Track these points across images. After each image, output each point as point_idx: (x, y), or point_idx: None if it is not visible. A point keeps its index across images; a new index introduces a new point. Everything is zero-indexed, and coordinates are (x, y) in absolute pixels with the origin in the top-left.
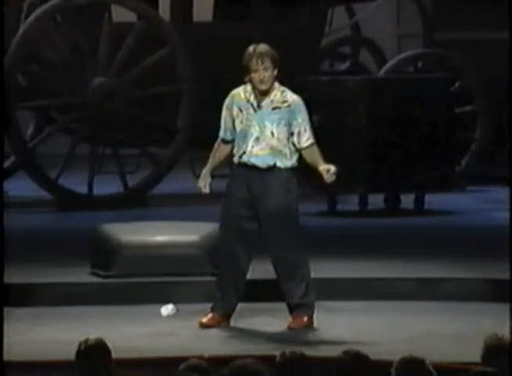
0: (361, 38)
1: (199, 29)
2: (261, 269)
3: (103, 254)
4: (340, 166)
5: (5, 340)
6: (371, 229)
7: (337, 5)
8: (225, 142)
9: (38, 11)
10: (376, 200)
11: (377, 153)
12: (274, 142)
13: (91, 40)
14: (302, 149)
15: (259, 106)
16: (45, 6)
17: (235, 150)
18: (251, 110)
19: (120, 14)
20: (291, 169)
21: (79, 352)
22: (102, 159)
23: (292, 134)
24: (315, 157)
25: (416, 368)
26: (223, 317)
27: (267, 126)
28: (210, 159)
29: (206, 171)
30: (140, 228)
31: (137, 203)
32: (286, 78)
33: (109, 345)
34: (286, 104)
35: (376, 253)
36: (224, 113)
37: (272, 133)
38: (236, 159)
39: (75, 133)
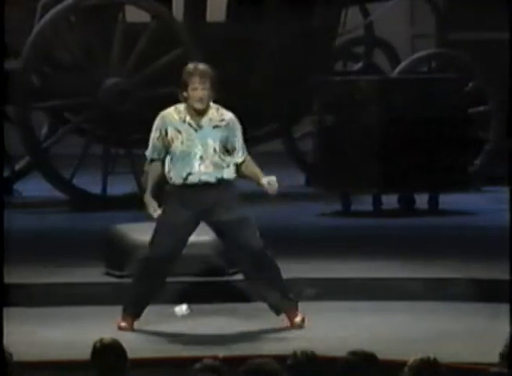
0: (374, 38)
1: (212, 29)
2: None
3: (118, 254)
4: (354, 166)
5: (17, 340)
6: (385, 229)
7: (351, 5)
8: (153, 161)
9: (52, 12)
10: (390, 201)
11: (391, 154)
12: (216, 158)
13: (104, 40)
14: (238, 163)
15: (199, 125)
16: (58, 7)
17: (173, 173)
18: (192, 130)
19: (134, 14)
20: (234, 181)
21: (94, 352)
22: (116, 159)
23: (227, 150)
24: (252, 168)
25: (430, 369)
26: (133, 318)
27: (209, 144)
28: (148, 183)
29: (148, 197)
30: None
31: None
32: (299, 78)
33: (123, 344)
34: (224, 123)
35: (389, 253)
36: (153, 134)
37: (215, 150)
38: (177, 181)
39: (88, 134)
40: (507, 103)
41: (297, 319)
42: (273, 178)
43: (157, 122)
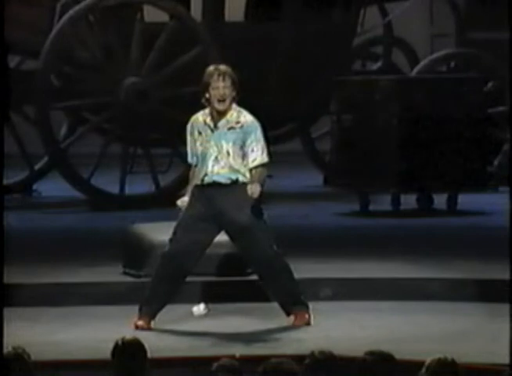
0: (393, 38)
1: (231, 28)
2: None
3: (135, 253)
4: (373, 166)
5: (34, 339)
6: (403, 229)
7: (370, 5)
8: (194, 165)
9: (71, 11)
10: (409, 200)
11: (410, 153)
12: (231, 160)
13: (123, 40)
14: (250, 168)
15: (216, 126)
16: (77, 7)
17: (197, 174)
18: (209, 131)
19: (152, 14)
20: None
21: (115, 351)
22: (134, 159)
23: (244, 154)
24: (254, 177)
25: (447, 369)
26: (150, 317)
27: (223, 145)
28: (189, 186)
29: (187, 194)
30: (172, 228)
31: (169, 202)
32: (318, 78)
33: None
34: (239, 125)
35: (407, 253)
36: (188, 139)
37: (228, 152)
38: (198, 182)
39: (107, 133)
40: None
41: (304, 320)
42: (252, 186)
43: (188, 127)
